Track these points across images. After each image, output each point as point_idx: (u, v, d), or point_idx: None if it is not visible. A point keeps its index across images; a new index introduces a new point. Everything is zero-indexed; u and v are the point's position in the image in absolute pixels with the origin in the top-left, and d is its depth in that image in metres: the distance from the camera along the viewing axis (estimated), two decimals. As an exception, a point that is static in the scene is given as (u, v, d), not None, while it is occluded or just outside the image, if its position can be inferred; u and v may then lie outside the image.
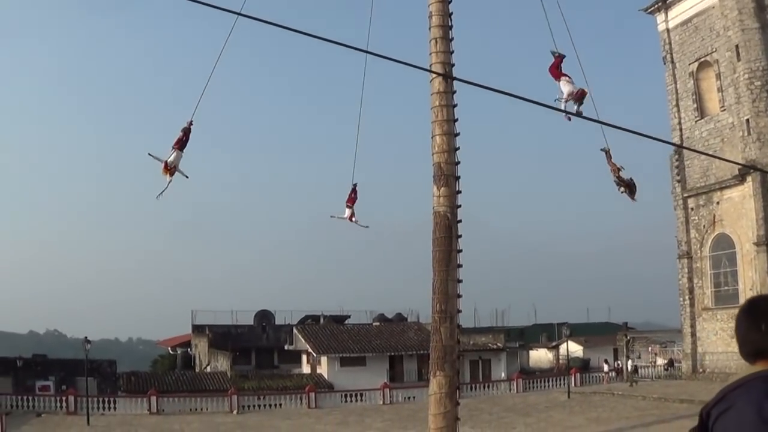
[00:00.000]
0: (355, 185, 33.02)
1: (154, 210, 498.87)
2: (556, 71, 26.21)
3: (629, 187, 28.46)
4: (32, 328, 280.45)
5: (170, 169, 26.11)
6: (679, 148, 64.56)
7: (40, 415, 56.67)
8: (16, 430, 46.80)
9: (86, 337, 57.18)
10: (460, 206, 29.34)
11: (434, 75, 28.11)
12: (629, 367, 78.78)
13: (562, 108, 24.15)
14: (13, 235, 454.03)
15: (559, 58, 26.17)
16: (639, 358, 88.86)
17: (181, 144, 26.86)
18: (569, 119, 24.56)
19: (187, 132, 27.23)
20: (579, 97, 24.92)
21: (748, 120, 63.22)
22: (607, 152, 28.54)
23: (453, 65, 28.22)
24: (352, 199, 33.13)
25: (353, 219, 32.89)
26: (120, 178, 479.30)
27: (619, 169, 28.40)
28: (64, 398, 59.76)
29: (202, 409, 61.40)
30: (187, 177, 27.15)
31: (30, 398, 60.18)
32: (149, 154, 26.56)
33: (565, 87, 25.22)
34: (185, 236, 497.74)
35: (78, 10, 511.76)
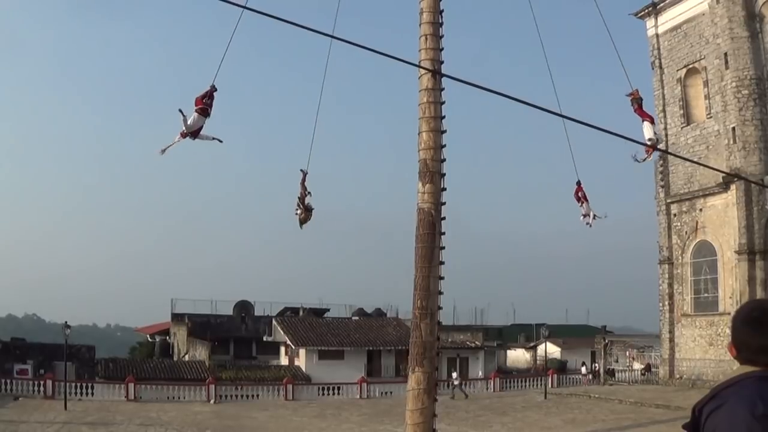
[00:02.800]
0: (213, 87, 24.21)
1: (136, 199, 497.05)
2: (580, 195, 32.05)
3: (306, 213, 29.82)
4: (10, 311, 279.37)
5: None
6: (665, 153, 64.69)
7: (18, 399, 56.64)
8: (-7, 413, 46.81)
9: (66, 322, 57.12)
10: (444, 203, 29.43)
11: (423, 71, 28.20)
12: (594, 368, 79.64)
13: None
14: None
15: (580, 188, 31.99)
16: (616, 361, 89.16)
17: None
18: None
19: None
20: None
21: (734, 128, 63.38)
22: (303, 174, 29.98)
23: (442, 62, 28.30)
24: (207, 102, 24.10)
25: (200, 134, 23.98)
26: (103, 168, 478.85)
27: (306, 194, 29.76)
28: (41, 382, 59.77)
29: (179, 398, 61.46)
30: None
31: (8, 382, 60.14)
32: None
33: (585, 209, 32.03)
34: (167, 226, 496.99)
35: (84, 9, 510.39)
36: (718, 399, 3.97)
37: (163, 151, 24.14)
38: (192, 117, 23.67)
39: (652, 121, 28.92)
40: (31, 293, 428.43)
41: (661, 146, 53.17)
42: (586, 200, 32.22)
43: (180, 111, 23.67)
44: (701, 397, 4.13)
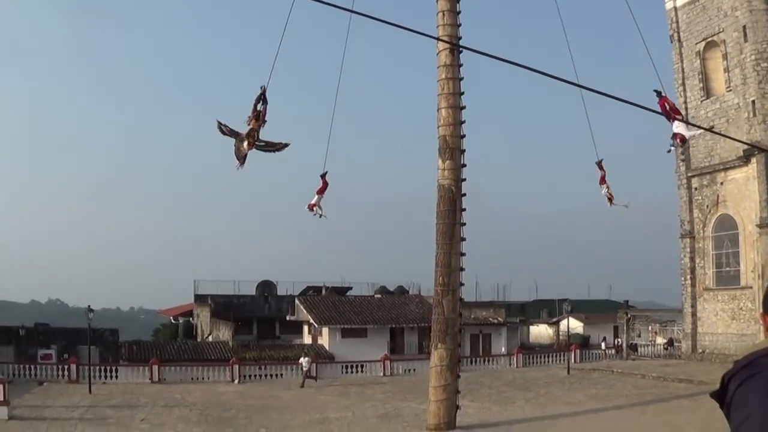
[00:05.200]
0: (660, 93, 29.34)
1: (158, 183, 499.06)
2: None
3: (250, 144, 25.87)
4: (34, 297, 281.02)
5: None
6: (687, 124, 64.41)
7: (42, 384, 56.82)
8: (18, 399, 46.70)
9: (89, 306, 57.05)
10: (464, 180, 29.39)
11: (441, 48, 28.15)
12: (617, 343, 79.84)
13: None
14: (20, 205, 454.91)
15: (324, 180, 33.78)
16: (639, 336, 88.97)
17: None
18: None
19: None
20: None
21: (753, 101, 63.06)
22: (262, 90, 26.37)
23: (460, 38, 28.21)
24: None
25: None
26: (126, 154, 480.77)
27: (261, 123, 26.10)
28: (66, 367, 59.96)
29: (203, 379, 61.67)
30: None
31: (32, 367, 60.38)
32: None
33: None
34: (189, 208, 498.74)
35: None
36: (753, 367, 3.82)
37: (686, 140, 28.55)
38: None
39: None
40: (55, 278, 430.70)
41: (681, 122, 52.96)
42: (322, 193, 33.91)
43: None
44: (724, 370, 4.01)
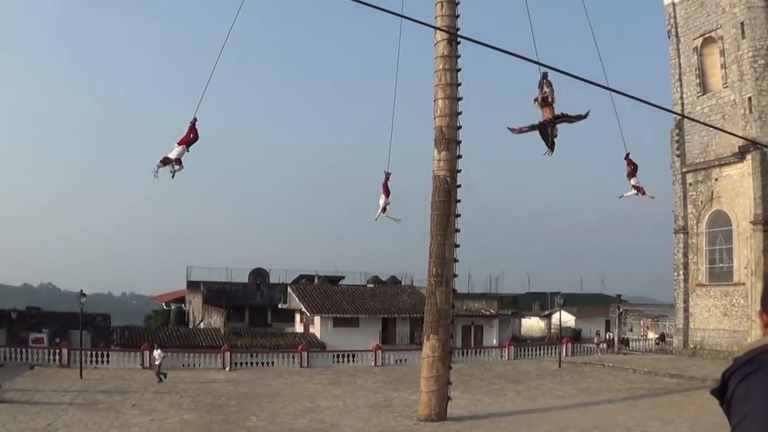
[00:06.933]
0: None
1: (150, 166, 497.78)
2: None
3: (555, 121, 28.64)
4: (26, 280, 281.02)
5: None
6: (684, 118, 64.55)
7: (33, 368, 56.71)
8: (9, 382, 46.54)
9: (81, 291, 56.94)
10: (460, 171, 29.37)
11: (439, 38, 28.11)
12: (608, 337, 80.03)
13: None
14: (9, 187, 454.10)
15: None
16: (630, 331, 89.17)
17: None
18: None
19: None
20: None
21: (750, 98, 63.12)
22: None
23: (458, 29, 28.15)
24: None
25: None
26: (121, 140, 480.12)
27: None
28: (57, 351, 59.85)
29: (194, 365, 61.62)
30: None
31: (23, 350, 60.14)
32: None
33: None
34: (182, 192, 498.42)
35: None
36: (755, 363, 3.79)
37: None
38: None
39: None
40: (47, 263, 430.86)
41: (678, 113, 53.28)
42: (188, 145, 32.96)
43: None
44: (715, 366, 3.96)
